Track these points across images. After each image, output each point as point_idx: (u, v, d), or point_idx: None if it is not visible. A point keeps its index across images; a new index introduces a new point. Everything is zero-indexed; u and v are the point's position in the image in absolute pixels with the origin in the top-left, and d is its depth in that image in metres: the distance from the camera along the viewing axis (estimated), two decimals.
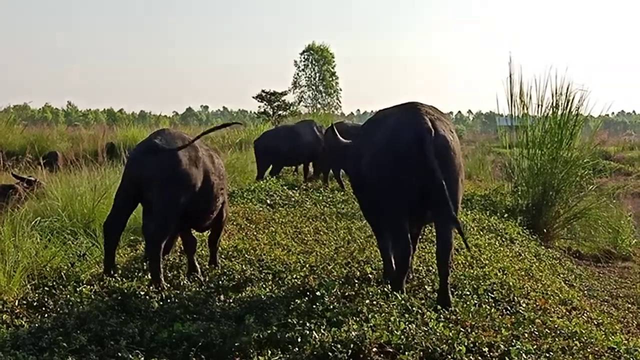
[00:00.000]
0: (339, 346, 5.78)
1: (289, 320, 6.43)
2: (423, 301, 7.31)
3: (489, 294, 7.83)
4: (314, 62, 73.33)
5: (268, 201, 14.72)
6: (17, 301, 7.07)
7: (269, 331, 6.14)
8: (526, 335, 6.38)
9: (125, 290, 7.48)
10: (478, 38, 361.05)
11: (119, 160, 14.07)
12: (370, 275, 8.32)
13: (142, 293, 7.45)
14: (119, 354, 5.68)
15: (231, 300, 7.38)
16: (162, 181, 7.85)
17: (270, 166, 19.24)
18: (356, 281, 8.04)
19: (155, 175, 7.82)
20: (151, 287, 7.64)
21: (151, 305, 7.10)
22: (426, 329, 6.22)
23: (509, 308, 7.48)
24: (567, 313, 7.87)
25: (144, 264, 8.65)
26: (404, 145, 7.16)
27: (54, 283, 7.68)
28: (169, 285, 7.89)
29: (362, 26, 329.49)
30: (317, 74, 73.11)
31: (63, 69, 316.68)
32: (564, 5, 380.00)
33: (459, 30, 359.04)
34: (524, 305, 7.59)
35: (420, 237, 9.42)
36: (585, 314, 8.03)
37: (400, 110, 7.70)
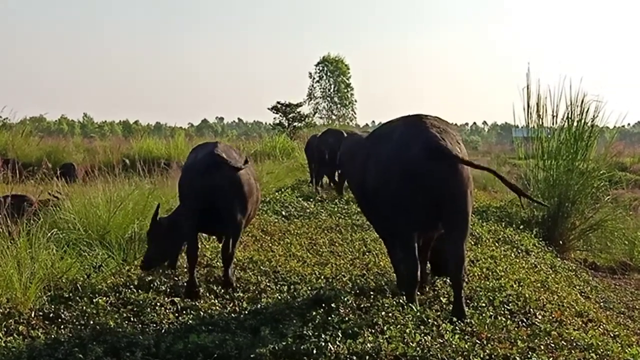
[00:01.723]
0: (354, 358, 5.80)
1: (305, 331, 6.45)
2: (439, 313, 7.28)
3: (505, 305, 7.80)
4: (328, 74, 73.54)
5: (283, 212, 14.74)
6: (33, 312, 7.09)
7: (284, 343, 6.14)
8: (542, 347, 6.35)
9: (141, 302, 7.51)
10: (494, 49, 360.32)
11: (135, 172, 14.11)
12: (386, 287, 8.32)
13: (158, 304, 7.47)
14: None
15: (247, 312, 7.39)
16: (234, 192, 8.24)
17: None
18: (371, 293, 8.03)
19: (226, 186, 8.15)
20: (166, 299, 7.66)
21: (167, 317, 7.12)
22: (442, 341, 6.21)
23: (524, 320, 7.44)
24: (583, 325, 7.83)
25: (160, 275, 8.67)
26: (412, 159, 7.08)
27: (70, 294, 7.71)
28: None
29: (377, 37, 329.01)
30: (332, 86, 73.29)
31: (79, 81, 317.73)
32: (580, 17, 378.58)
33: (474, 42, 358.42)
34: (540, 317, 7.56)
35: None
36: (601, 326, 7.98)
37: (406, 123, 7.62)
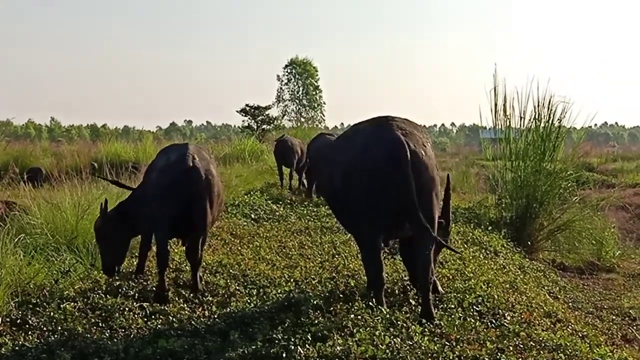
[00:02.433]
0: None
1: (274, 335, 6.43)
2: (408, 315, 7.29)
3: (474, 307, 7.84)
4: (297, 76, 73.37)
5: (252, 215, 14.74)
6: (0, 319, 7.03)
7: (253, 346, 6.14)
8: (511, 348, 6.38)
9: (110, 307, 7.46)
10: (461, 50, 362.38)
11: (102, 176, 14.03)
12: (355, 290, 8.31)
13: (127, 309, 7.44)
14: None
15: (216, 316, 7.36)
16: (208, 194, 8.20)
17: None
18: (341, 295, 8.03)
19: (201, 189, 8.10)
20: (135, 304, 7.63)
21: (135, 322, 7.08)
22: (411, 343, 6.23)
23: (493, 321, 7.48)
24: (552, 325, 7.87)
25: (129, 280, 8.63)
26: (376, 161, 7.12)
27: (38, 300, 7.64)
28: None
29: (345, 39, 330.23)
30: (301, 88, 73.16)
31: (46, 84, 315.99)
32: (546, 16, 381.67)
33: (441, 44, 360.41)
34: (508, 318, 7.60)
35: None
36: (570, 327, 8.03)
37: (372, 125, 7.66)
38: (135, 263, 9.23)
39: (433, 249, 7.56)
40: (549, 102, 15.45)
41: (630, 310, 10.71)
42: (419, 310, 7.46)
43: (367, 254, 7.63)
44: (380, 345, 6.08)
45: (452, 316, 7.23)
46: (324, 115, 74.47)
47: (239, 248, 10.99)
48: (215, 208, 8.48)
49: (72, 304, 7.51)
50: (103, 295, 7.84)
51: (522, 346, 6.50)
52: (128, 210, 8.76)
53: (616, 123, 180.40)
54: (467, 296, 8.11)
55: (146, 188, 8.50)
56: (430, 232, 7.21)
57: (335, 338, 6.27)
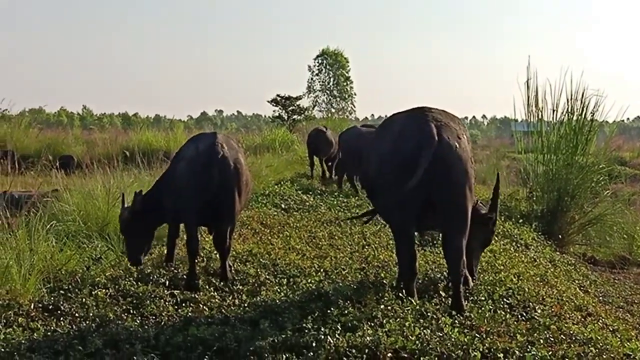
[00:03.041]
0: (353, 351, 5.79)
1: (304, 324, 6.45)
2: (438, 307, 7.27)
3: (504, 299, 7.81)
4: (328, 67, 73.19)
5: (282, 205, 14.75)
6: (32, 304, 7.09)
7: (283, 335, 6.15)
8: (541, 341, 6.35)
9: (141, 294, 7.52)
10: (493, 42, 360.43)
11: (134, 164, 14.09)
12: (385, 281, 8.31)
13: (158, 297, 7.48)
14: (135, 358, 5.69)
15: (246, 305, 7.38)
16: (236, 183, 8.25)
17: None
18: (371, 286, 8.03)
19: (230, 178, 8.15)
20: (166, 291, 7.67)
21: (166, 309, 7.12)
22: (441, 335, 6.21)
23: (524, 314, 7.45)
24: (583, 319, 7.83)
25: (159, 268, 8.68)
26: (406, 152, 7.10)
27: (70, 286, 7.71)
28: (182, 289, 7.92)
29: (377, 30, 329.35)
30: (331, 79, 72.98)
31: (79, 73, 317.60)
32: (579, 9, 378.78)
33: (475, 35, 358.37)
34: (539, 311, 7.56)
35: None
36: (600, 321, 7.98)
37: (407, 115, 7.65)
38: (165, 251, 9.26)
39: (479, 245, 7.59)
40: (582, 95, 15.36)
41: None
42: (449, 302, 7.45)
43: (400, 243, 7.63)
44: (410, 337, 6.07)
45: (483, 308, 7.21)
46: (354, 106, 74.30)
47: (269, 237, 11.01)
48: (244, 197, 8.50)
49: (104, 290, 7.57)
50: (134, 283, 7.90)
51: (552, 339, 6.47)
52: (154, 200, 8.79)
53: None
54: (498, 289, 8.08)
55: (174, 176, 8.47)
56: (462, 223, 7.19)
57: (365, 328, 6.27)
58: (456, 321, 6.74)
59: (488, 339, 6.27)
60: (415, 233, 7.93)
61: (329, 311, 6.86)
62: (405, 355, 5.85)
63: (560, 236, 14.79)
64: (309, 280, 8.23)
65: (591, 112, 15.41)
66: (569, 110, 15.48)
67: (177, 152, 8.90)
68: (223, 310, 7.18)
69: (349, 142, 18.13)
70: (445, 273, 8.50)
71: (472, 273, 8.42)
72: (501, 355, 5.93)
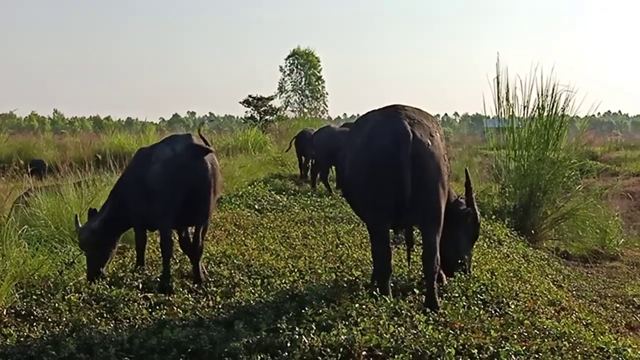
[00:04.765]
0: (328, 350, 5.79)
1: (278, 325, 6.44)
2: (412, 304, 7.30)
3: (478, 295, 7.84)
4: (299, 67, 73.17)
5: (256, 206, 14.78)
6: (5, 310, 7.05)
7: (258, 336, 6.14)
8: (515, 336, 6.39)
9: (114, 298, 7.48)
10: (464, 39, 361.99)
11: (106, 168, 14.04)
12: (359, 279, 8.32)
13: (131, 300, 7.45)
14: None
15: (220, 306, 7.37)
16: (213, 184, 8.25)
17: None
18: (345, 285, 8.04)
19: (209, 179, 8.15)
20: (139, 294, 7.65)
21: (140, 312, 7.09)
22: (415, 332, 6.23)
23: (497, 310, 7.49)
24: (556, 314, 7.88)
25: (132, 271, 8.65)
26: (379, 150, 7.14)
27: (42, 291, 7.66)
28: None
29: (348, 29, 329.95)
30: (303, 79, 72.96)
31: (49, 77, 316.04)
32: (549, 4, 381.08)
33: (444, 33, 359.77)
34: (512, 306, 7.60)
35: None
36: (574, 315, 8.04)
37: (381, 113, 7.68)
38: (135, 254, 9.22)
39: (466, 240, 7.68)
40: (553, 91, 15.42)
41: (634, 298, 10.74)
42: (423, 299, 7.48)
43: (375, 241, 7.65)
44: (385, 334, 6.09)
45: (456, 305, 7.24)
46: (326, 106, 74.33)
47: (243, 238, 11.01)
48: (216, 198, 8.49)
49: (77, 295, 7.53)
50: (107, 286, 7.86)
51: (526, 334, 6.51)
52: (115, 209, 8.75)
53: (619, 111, 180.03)
54: (471, 285, 8.11)
55: (146, 179, 8.29)
56: (435, 220, 7.23)
57: (339, 327, 6.27)
58: (430, 318, 6.75)
59: (462, 335, 6.29)
60: (390, 231, 7.96)
61: (303, 311, 6.85)
62: (380, 354, 5.86)
63: (533, 231, 14.88)
64: (283, 281, 8.24)
65: (562, 108, 15.45)
66: (540, 105, 15.53)
67: (142, 155, 8.75)
68: (197, 312, 7.16)
69: (322, 141, 18.19)
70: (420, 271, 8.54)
71: (468, 268, 8.55)
72: (475, 351, 5.95)
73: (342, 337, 5.97)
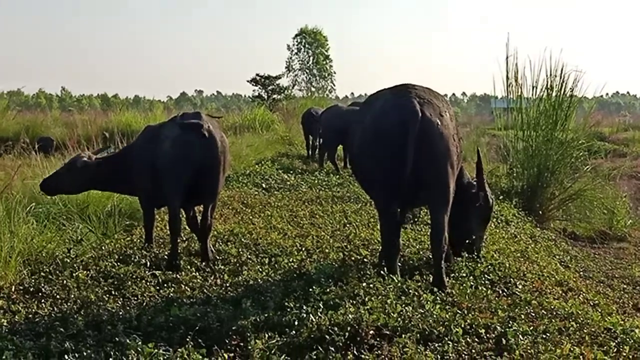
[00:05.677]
0: (335, 329, 5.77)
1: (286, 303, 6.45)
2: (419, 284, 7.28)
3: (485, 275, 7.83)
4: (307, 46, 73.06)
5: (263, 185, 14.78)
6: (13, 287, 7.08)
7: (266, 315, 6.15)
8: (522, 316, 6.37)
9: (122, 275, 7.50)
10: (473, 19, 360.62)
11: (114, 145, 14.04)
12: (366, 258, 8.32)
13: (139, 277, 7.46)
14: (116, 339, 5.65)
15: (228, 284, 7.38)
16: (223, 162, 8.28)
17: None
18: (352, 264, 8.04)
19: (218, 157, 8.18)
20: (147, 272, 7.66)
21: (148, 290, 7.11)
22: (423, 311, 6.22)
23: (505, 290, 7.48)
24: (563, 294, 7.87)
25: (140, 249, 8.65)
26: (387, 127, 7.12)
27: (50, 269, 7.68)
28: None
29: (356, 7, 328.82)
30: (311, 57, 72.87)
31: (57, 54, 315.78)
32: None
33: (453, 12, 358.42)
34: (520, 286, 7.59)
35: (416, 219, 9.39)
36: (581, 295, 8.02)
37: (391, 92, 7.64)
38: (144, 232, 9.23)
39: (478, 222, 7.68)
40: (561, 72, 15.37)
41: None
42: (431, 278, 7.48)
43: (383, 220, 7.65)
44: (392, 314, 6.08)
45: (464, 285, 7.23)
46: (334, 85, 74.27)
47: (251, 217, 11.01)
48: (224, 176, 8.49)
49: (85, 272, 7.55)
50: (115, 264, 7.88)
51: (533, 314, 6.50)
52: (114, 170, 8.82)
53: (628, 92, 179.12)
54: (479, 265, 8.10)
55: (156, 156, 8.29)
56: (444, 199, 7.22)
57: (347, 306, 6.26)
58: (438, 298, 6.74)
59: (469, 315, 6.29)
60: (399, 210, 7.94)
61: (310, 290, 6.85)
62: (387, 333, 5.85)
63: (540, 212, 14.87)
64: (291, 260, 8.24)
65: (570, 88, 15.43)
66: (549, 86, 15.49)
67: (151, 132, 8.76)
68: (205, 290, 7.18)
69: (330, 120, 18.19)
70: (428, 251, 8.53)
71: (478, 250, 8.54)
72: (483, 331, 5.94)
73: (350, 316, 5.96)
